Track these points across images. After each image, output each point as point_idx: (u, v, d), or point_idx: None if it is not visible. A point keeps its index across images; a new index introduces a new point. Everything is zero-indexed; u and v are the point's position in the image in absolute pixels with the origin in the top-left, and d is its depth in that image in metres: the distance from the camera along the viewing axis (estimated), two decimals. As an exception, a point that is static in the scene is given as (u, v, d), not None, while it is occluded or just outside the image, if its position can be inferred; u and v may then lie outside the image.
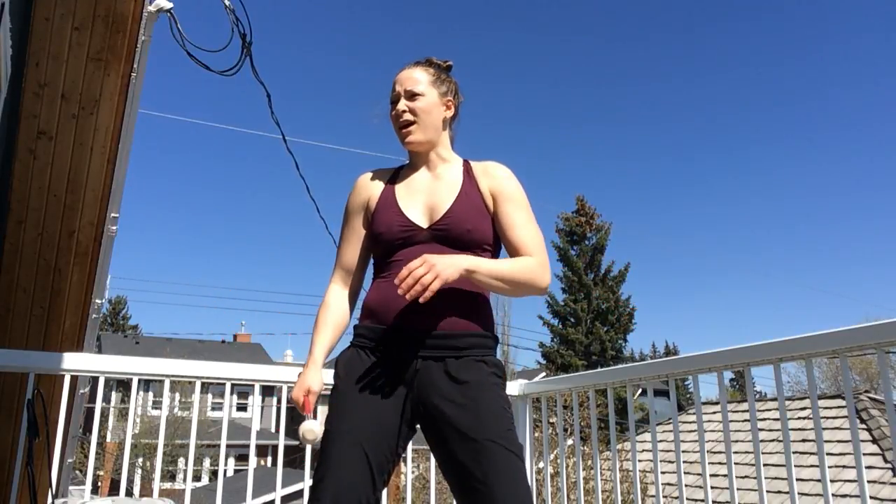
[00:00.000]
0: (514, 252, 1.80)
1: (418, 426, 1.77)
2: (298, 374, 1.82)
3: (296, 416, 1.79)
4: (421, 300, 1.59)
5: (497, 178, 1.85)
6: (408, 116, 1.83)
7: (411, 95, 1.84)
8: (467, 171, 1.87)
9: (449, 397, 1.66)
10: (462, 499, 1.63)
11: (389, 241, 1.78)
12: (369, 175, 1.93)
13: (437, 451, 1.71)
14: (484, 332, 1.76)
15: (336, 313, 1.86)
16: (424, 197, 1.83)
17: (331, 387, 1.79)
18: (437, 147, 1.89)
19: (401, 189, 1.86)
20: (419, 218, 1.79)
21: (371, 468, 1.62)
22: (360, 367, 1.73)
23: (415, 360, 1.70)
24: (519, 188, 1.86)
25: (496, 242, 1.83)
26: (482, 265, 1.70)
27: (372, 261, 1.89)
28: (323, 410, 1.74)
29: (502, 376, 1.76)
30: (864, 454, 6.03)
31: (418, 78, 1.86)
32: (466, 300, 1.75)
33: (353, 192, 1.92)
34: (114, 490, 20.93)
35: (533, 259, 1.77)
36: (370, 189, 1.89)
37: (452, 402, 1.65)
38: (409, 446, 2.71)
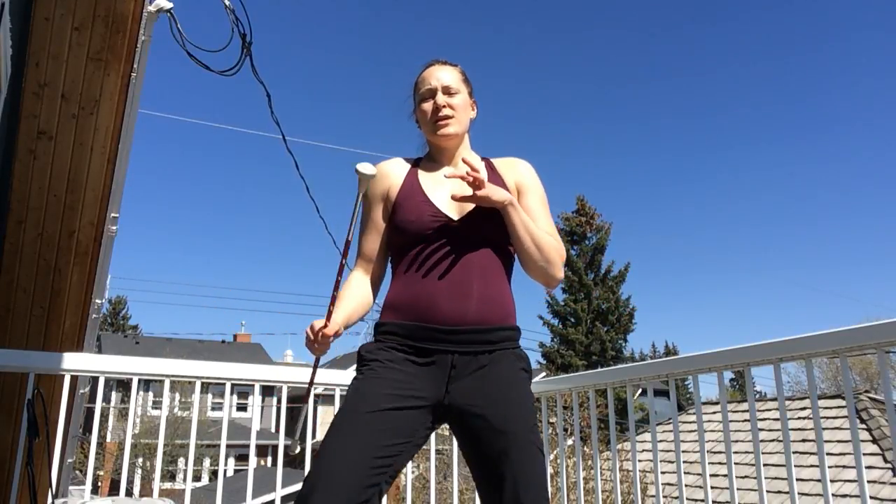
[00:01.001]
0: None
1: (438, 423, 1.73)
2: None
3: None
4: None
5: (522, 174, 1.89)
6: (447, 111, 1.82)
7: (448, 91, 1.84)
8: (490, 167, 1.89)
9: (483, 393, 1.65)
10: (487, 489, 1.63)
11: (418, 231, 1.74)
12: (387, 164, 1.89)
13: (465, 442, 1.69)
14: (514, 325, 1.76)
15: (360, 290, 1.81)
16: (450, 189, 1.79)
17: (355, 375, 1.71)
18: (461, 145, 1.90)
19: (425, 179, 1.83)
20: (449, 209, 1.77)
21: (380, 453, 1.55)
22: (388, 356, 1.68)
23: (450, 356, 1.67)
24: (541, 185, 1.89)
25: None
26: (522, 212, 1.74)
27: (391, 252, 1.84)
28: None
29: (529, 371, 1.77)
30: (864, 454, 6.03)
31: (452, 75, 1.86)
32: (496, 292, 1.73)
33: (372, 183, 1.86)
34: (114, 490, 20.92)
35: (560, 246, 1.80)
36: (390, 178, 1.85)
37: (486, 397, 1.65)
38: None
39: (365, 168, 1.73)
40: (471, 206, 1.76)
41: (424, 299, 1.69)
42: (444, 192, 1.79)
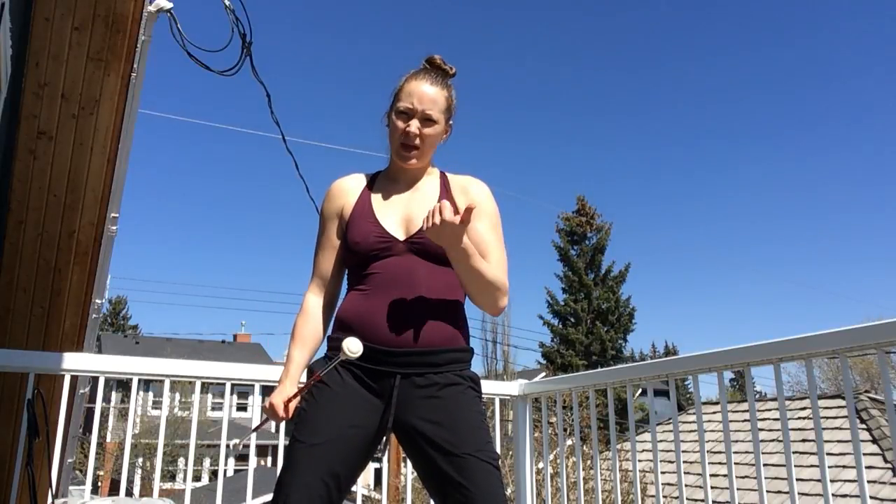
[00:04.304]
0: None
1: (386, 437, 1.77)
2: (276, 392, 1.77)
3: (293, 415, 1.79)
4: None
5: (476, 194, 1.85)
6: (416, 141, 1.80)
7: (425, 119, 1.80)
8: (444, 184, 1.88)
9: (428, 415, 1.68)
10: None
11: (365, 252, 1.76)
12: (343, 182, 1.90)
13: (419, 465, 1.72)
14: (462, 346, 1.77)
15: (313, 324, 1.83)
16: (402, 209, 1.82)
17: (304, 396, 1.74)
18: (421, 168, 1.89)
19: (377, 199, 1.84)
20: (396, 230, 1.78)
21: (336, 484, 1.64)
22: (336, 379, 1.71)
23: (393, 377, 1.70)
24: (495, 209, 1.87)
25: None
26: (474, 253, 1.71)
27: (347, 270, 1.87)
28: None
29: (479, 390, 1.79)
30: (864, 454, 6.03)
31: (437, 101, 1.81)
32: (446, 314, 1.75)
33: (327, 200, 1.89)
34: (114, 490, 20.92)
35: (504, 280, 1.79)
36: (344, 197, 1.87)
37: (431, 419, 1.67)
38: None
39: (353, 346, 1.65)
40: (417, 226, 1.77)
41: (368, 319, 1.71)
42: (395, 212, 1.81)
